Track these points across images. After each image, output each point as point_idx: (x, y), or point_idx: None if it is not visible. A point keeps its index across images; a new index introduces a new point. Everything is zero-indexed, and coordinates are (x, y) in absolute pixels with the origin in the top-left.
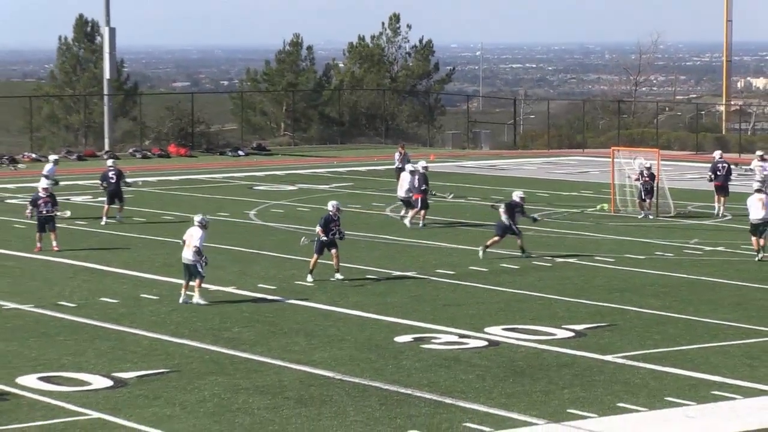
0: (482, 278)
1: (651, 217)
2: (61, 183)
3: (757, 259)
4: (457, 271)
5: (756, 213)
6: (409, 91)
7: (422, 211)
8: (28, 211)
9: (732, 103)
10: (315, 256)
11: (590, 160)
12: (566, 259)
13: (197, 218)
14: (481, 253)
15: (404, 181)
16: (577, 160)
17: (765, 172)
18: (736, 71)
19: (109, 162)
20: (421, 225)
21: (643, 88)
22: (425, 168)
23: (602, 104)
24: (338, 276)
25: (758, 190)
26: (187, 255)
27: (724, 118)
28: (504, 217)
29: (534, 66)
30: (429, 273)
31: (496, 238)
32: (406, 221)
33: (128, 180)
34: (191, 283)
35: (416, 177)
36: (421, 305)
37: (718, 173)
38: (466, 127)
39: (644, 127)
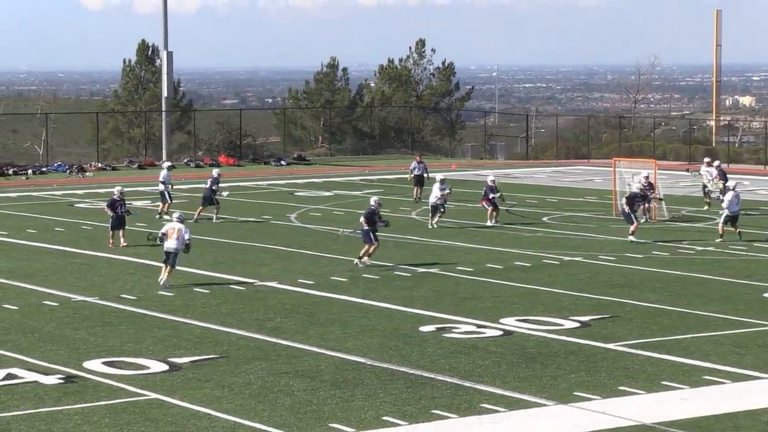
0: (498, 274)
1: (650, 220)
2: (126, 189)
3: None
4: (475, 268)
5: (732, 207)
6: (432, 108)
7: (492, 211)
8: (108, 210)
9: (721, 118)
10: (366, 246)
11: (594, 169)
12: (573, 257)
13: (176, 215)
14: (631, 238)
15: (435, 189)
16: (583, 170)
17: (710, 177)
18: (724, 90)
19: (215, 171)
20: (490, 223)
21: (642, 105)
22: (493, 181)
23: (605, 120)
24: (367, 261)
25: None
26: (171, 245)
27: (714, 132)
28: (626, 208)
29: (544, 85)
30: (450, 270)
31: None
32: (432, 223)
33: (220, 185)
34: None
35: (446, 186)
36: (443, 298)
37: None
38: (483, 139)
39: (642, 140)
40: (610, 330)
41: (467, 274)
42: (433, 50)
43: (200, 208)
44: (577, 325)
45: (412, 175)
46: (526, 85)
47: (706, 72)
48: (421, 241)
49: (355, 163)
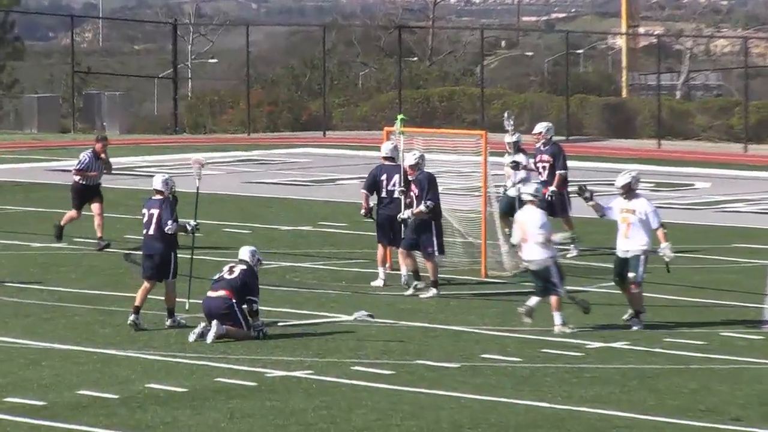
0: None
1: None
2: None
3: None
4: None
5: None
6: None
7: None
8: None
9: (639, 30)
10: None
11: (325, 153)
12: None
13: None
14: None
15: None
16: (312, 155)
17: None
18: None
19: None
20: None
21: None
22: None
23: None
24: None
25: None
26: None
27: (624, 63)
28: None
29: None
30: None
31: None
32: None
33: None
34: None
35: None
36: None
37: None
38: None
39: (453, 84)
40: None
41: None
42: None
43: None
44: None
45: None
46: None
47: None
48: None
49: None
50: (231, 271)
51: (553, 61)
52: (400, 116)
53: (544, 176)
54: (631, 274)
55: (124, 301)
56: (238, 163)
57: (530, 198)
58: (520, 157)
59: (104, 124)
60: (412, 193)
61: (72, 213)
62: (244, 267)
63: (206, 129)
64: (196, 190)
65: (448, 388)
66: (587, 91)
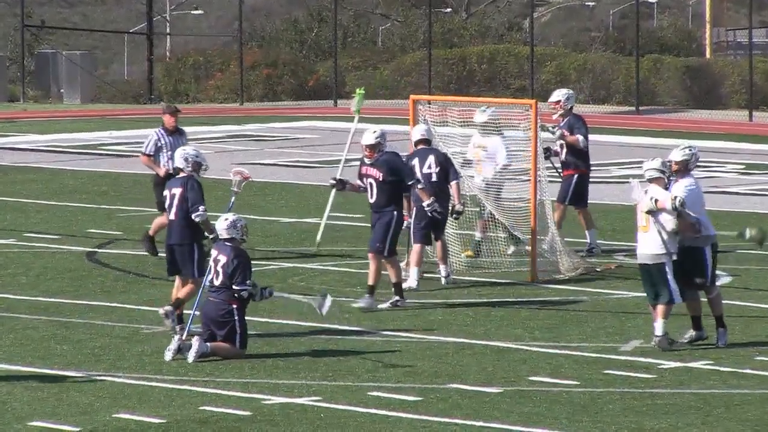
0: None
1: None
2: None
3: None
4: None
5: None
6: None
7: None
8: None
9: None
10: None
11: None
12: None
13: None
14: None
15: None
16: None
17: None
18: None
19: None
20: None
21: None
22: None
23: None
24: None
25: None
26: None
27: (708, 13)
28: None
29: None
30: None
31: None
32: None
33: None
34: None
35: None
36: None
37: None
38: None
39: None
40: None
41: None
42: None
43: None
44: None
45: None
46: None
47: None
48: None
49: None
50: (216, 273)
51: (619, 13)
52: (359, 90)
53: (563, 156)
54: (699, 280)
55: (86, 311)
56: (229, 139)
57: (657, 175)
58: (493, 141)
59: (61, 91)
60: (370, 180)
61: (160, 218)
62: (225, 259)
63: (189, 97)
64: (230, 203)
65: (489, 417)
66: (662, 50)
